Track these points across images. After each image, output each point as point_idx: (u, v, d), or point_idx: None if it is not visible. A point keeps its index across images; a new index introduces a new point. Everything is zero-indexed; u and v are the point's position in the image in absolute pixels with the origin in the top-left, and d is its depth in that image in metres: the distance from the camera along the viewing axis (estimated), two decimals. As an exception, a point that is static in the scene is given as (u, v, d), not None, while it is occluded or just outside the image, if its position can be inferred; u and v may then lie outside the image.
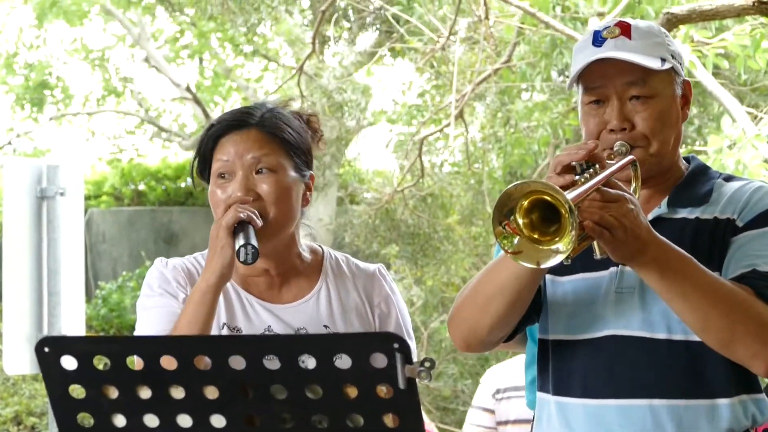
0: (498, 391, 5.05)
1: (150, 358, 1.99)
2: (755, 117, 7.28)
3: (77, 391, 2.01)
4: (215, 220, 2.62)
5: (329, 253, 2.82)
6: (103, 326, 13.45)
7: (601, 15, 7.26)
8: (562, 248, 2.27)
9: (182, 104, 17.55)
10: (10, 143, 16.77)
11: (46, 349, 2.00)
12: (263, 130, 2.69)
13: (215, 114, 16.25)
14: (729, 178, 2.68)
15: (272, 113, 2.73)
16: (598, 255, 2.45)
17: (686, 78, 2.70)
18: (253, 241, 2.54)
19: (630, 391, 2.54)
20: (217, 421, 1.98)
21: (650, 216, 2.57)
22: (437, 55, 9.82)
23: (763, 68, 6.85)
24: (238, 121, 2.71)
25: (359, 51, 13.45)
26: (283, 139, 2.69)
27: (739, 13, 6.00)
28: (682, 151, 2.76)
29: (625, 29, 2.62)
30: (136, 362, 2.02)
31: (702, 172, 2.69)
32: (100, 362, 1.99)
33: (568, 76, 2.85)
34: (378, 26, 13.23)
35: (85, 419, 2.01)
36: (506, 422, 5.02)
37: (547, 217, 2.29)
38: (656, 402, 2.53)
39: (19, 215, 6.29)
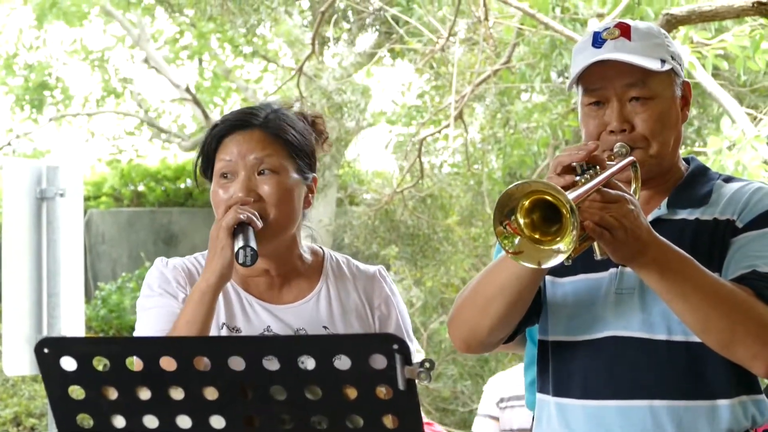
0: (502, 400, 5.14)
1: (149, 359, 1.99)
2: (755, 118, 7.29)
3: (77, 392, 2.01)
4: (216, 220, 2.61)
5: (330, 255, 2.82)
6: (102, 327, 13.44)
7: (600, 16, 7.26)
8: (563, 248, 2.27)
9: (182, 105, 17.55)
10: (9, 144, 16.78)
11: (46, 350, 2.00)
12: (267, 131, 2.69)
13: (215, 115, 16.27)
14: (728, 179, 2.68)
15: (276, 114, 2.72)
16: (598, 256, 2.45)
17: (686, 79, 2.70)
18: (252, 243, 2.53)
19: (630, 392, 2.54)
20: (217, 422, 1.98)
21: (650, 217, 2.57)
22: (437, 56, 9.83)
23: (763, 69, 6.86)
24: (241, 122, 2.70)
25: (359, 52, 13.46)
26: (286, 141, 2.69)
27: (738, 14, 6.01)
28: (682, 152, 2.76)
29: (624, 30, 2.62)
30: (135, 363, 2.02)
31: (702, 173, 2.70)
32: (100, 363, 1.99)
33: (567, 77, 2.85)
34: (377, 27, 13.23)
35: (85, 420, 2.01)
36: (510, 431, 5.10)
37: (548, 217, 2.29)
38: (656, 403, 2.53)
39: (18, 216, 6.29)
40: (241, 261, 2.53)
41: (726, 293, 2.43)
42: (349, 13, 13.03)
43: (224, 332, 2.66)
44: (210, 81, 18.16)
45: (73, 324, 6.35)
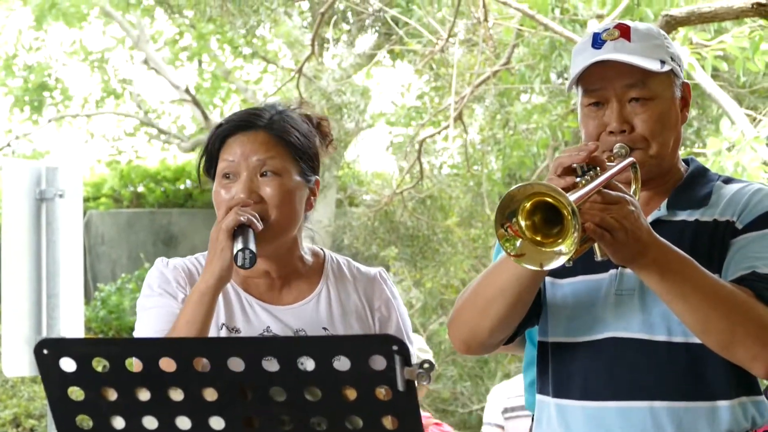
0: (506, 410, 5.22)
1: (149, 360, 1.99)
2: (754, 119, 7.29)
3: (76, 393, 2.00)
4: (216, 221, 2.61)
5: (330, 256, 2.82)
6: (102, 328, 13.44)
7: (600, 17, 7.27)
8: (565, 250, 2.27)
9: (181, 106, 17.56)
10: (9, 145, 16.77)
11: (45, 351, 2.00)
12: (270, 133, 2.68)
13: (214, 116, 16.29)
14: (728, 181, 2.68)
15: (281, 116, 2.72)
16: (599, 257, 2.44)
17: (685, 80, 2.70)
18: (252, 246, 2.53)
19: (630, 393, 2.54)
20: (216, 423, 1.98)
21: (650, 218, 2.57)
22: (436, 57, 9.83)
23: (762, 70, 6.86)
24: (245, 122, 2.70)
25: (358, 53, 13.46)
26: (289, 143, 2.69)
27: (737, 16, 6.01)
28: (681, 153, 2.76)
29: (624, 31, 2.62)
30: (135, 364, 2.02)
31: (701, 174, 2.70)
32: (99, 364, 1.99)
33: (567, 78, 2.85)
34: (377, 28, 13.24)
35: (84, 421, 2.01)
36: None
37: (549, 218, 2.29)
38: (656, 404, 2.53)
39: (18, 217, 6.28)
40: (239, 263, 2.53)
41: (726, 294, 2.43)
42: (349, 14, 13.04)
43: (223, 332, 2.66)
44: (209, 82, 18.17)
45: (72, 325, 6.34)
